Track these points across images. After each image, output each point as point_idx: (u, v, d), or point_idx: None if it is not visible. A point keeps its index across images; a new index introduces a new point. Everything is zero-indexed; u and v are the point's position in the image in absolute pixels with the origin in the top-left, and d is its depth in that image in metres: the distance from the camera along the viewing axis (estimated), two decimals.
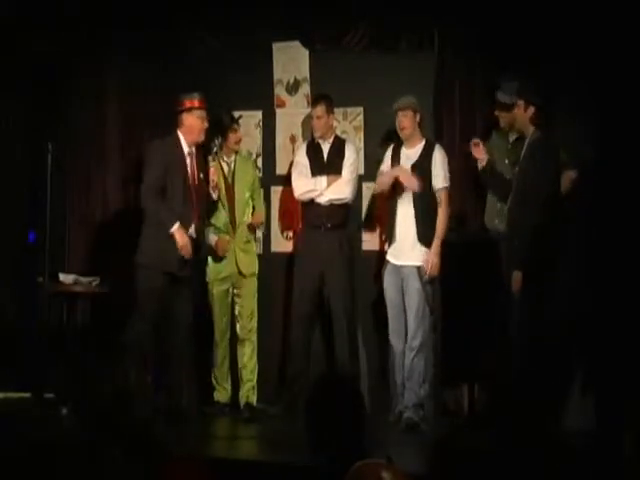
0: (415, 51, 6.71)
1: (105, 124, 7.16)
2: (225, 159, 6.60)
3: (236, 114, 6.64)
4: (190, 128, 6.10)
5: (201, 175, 6.18)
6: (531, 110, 5.62)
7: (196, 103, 6.14)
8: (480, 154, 5.86)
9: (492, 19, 6.32)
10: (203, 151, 6.34)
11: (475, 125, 6.50)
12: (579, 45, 6.08)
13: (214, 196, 6.29)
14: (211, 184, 6.23)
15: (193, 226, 6.09)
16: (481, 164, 5.86)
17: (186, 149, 6.13)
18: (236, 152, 6.64)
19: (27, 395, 6.81)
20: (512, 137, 6.18)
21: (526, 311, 5.52)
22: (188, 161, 6.13)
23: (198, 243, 6.17)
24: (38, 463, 3.16)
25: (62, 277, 6.51)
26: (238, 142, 6.60)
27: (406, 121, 6.24)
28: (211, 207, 6.38)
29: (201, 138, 6.16)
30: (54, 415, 6.19)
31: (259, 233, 6.70)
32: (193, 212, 6.10)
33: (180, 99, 6.16)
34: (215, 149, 6.41)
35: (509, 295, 5.61)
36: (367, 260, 6.77)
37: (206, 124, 6.13)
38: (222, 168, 6.58)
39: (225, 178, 6.58)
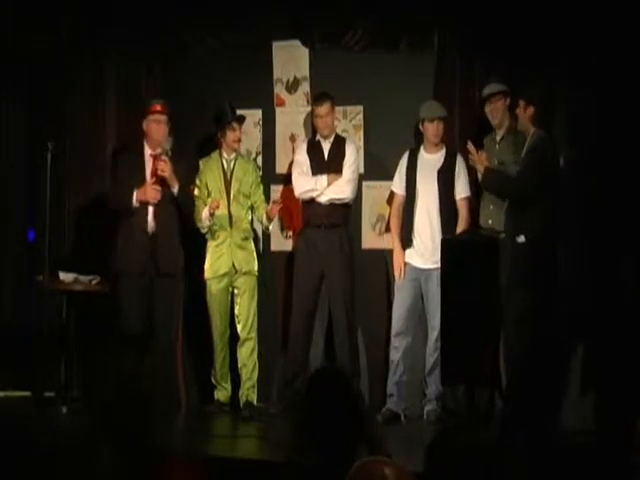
0: (415, 51, 6.72)
1: (105, 124, 7.15)
2: (225, 156, 6.62)
3: (239, 114, 6.64)
4: (148, 132, 6.37)
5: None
6: (531, 110, 5.66)
7: (157, 108, 6.39)
8: (477, 160, 5.91)
9: (492, 19, 6.32)
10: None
11: (475, 125, 6.50)
12: (579, 44, 6.08)
13: (174, 191, 6.32)
14: (168, 180, 6.28)
15: (153, 224, 6.27)
16: (480, 172, 5.91)
17: (148, 152, 6.38)
18: (235, 151, 6.65)
19: (27, 394, 6.82)
20: (498, 137, 6.24)
21: (525, 311, 5.53)
22: (150, 163, 6.35)
23: (157, 241, 6.27)
24: (38, 462, 3.16)
25: (62, 276, 6.50)
26: (237, 141, 6.61)
27: (440, 129, 6.37)
28: (182, 200, 6.41)
29: (159, 141, 6.35)
30: (54, 415, 6.20)
31: (270, 225, 6.62)
32: (150, 209, 6.28)
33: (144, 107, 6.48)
34: (167, 150, 6.40)
35: (508, 294, 5.62)
36: (367, 259, 6.78)
37: (164, 128, 6.36)
38: (222, 165, 6.61)
39: (224, 174, 6.60)
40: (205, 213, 6.49)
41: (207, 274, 6.59)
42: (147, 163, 6.39)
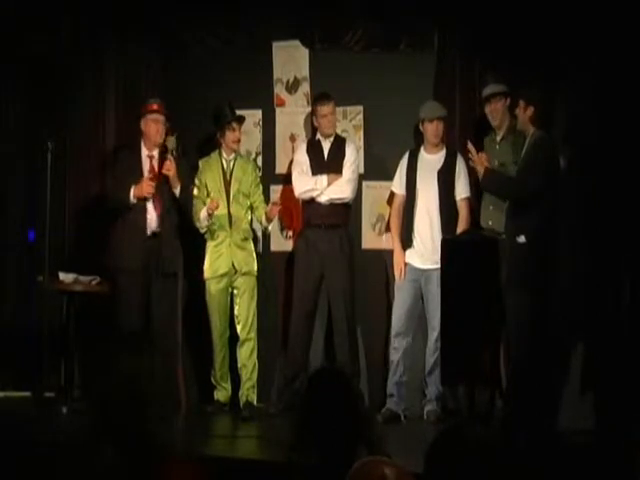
0: (415, 51, 6.72)
1: (105, 124, 7.15)
2: (225, 156, 6.62)
3: (238, 114, 6.64)
4: (147, 132, 6.40)
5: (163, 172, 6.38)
6: (530, 110, 5.66)
7: (154, 107, 6.43)
8: (476, 161, 5.93)
9: (492, 19, 6.32)
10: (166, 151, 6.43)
11: (475, 125, 6.50)
12: (579, 44, 6.08)
13: (176, 191, 6.37)
14: (170, 179, 6.32)
15: (155, 223, 6.30)
16: (479, 172, 5.92)
17: (145, 152, 6.42)
18: (235, 151, 6.64)
19: (27, 394, 6.82)
20: (499, 137, 6.24)
21: (525, 311, 5.53)
22: (147, 163, 6.40)
23: (159, 241, 6.30)
24: (38, 462, 3.17)
25: (62, 276, 6.50)
26: (236, 142, 6.60)
27: (440, 129, 6.38)
28: (184, 201, 6.45)
29: (157, 140, 6.39)
30: (54, 415, 6.20)
31: (269, 226, 6.60)
32: (154, 210, 6.31)
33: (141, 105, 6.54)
34: (172, 149, 6.40)
35: (508, 294, 5.62)
36: (367, 259, 6.78)
37: (162, 128, 6.39)
38: (222, 165, 6.60)
39: (224, 174, 6.60)
40: (203, 213, 6.49)
41: (206, 274, 6.59)
42: (144, 163, 6.42)
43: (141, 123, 6.44)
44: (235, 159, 6.65)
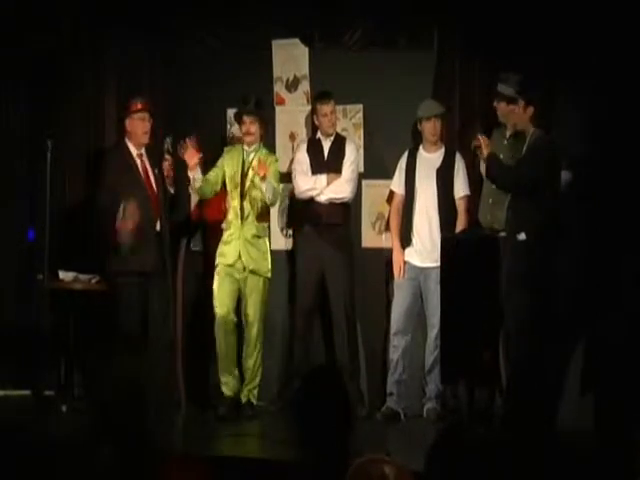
0: (415, 50, 6.73)
1: (104, 124, 7.15)
2: (245, 148, 6.54)
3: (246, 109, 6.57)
4: (133, 131, 6.35)
5: (156, 171, 6.38)
6: (530, 110, 5.67)
7: (139, 106, 6.38)
8: (484, 144, 5.89)
9: (492, 18, 6.33)
10: (158, 148, 6.46)
11: (475, 125, 6.50)
12: (579, 43, 6.09)
13: (171, 190, 6.40)
14: (167, 180, 6.36)
15: (158, 222, 6.30)
16: (484, 153, 5.87)
17: (134, 152, 6.36)
18: (252, 143, 6.50)
19: (27, 393, 6.82)
20: (508, 132, 6.22)
21: (525, 309, 5.54)
22: (139, 163, 6.35)
23: (163, 238, 6.31)
24: (37, 462, 3.16)
25: (62, 275, 6.51)
26: (246, 134, 6.49)
27: (438, 127, 6.39)
28: (174, 200, 6.49)
29: (145, 140, 6.36)
30: (54, 414, 6.20)
31: (263, 188, 6.31)
32: (153, 211, 6.27)
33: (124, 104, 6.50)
34: (167, 145, 6.38)
35: (508, 293, 5.62)
36: (366, 258, 6.78)
37: (148, 126, 6.34)
38: (243, 156, 6.52)
39: (242, 165, 6.51)
40: (191, 173, 6.37)
41: (217, 260, 6.49)
42: (137, 163, 6.37)
43: (126, 123, 6.40)
44: (256, 152, 6.52)
